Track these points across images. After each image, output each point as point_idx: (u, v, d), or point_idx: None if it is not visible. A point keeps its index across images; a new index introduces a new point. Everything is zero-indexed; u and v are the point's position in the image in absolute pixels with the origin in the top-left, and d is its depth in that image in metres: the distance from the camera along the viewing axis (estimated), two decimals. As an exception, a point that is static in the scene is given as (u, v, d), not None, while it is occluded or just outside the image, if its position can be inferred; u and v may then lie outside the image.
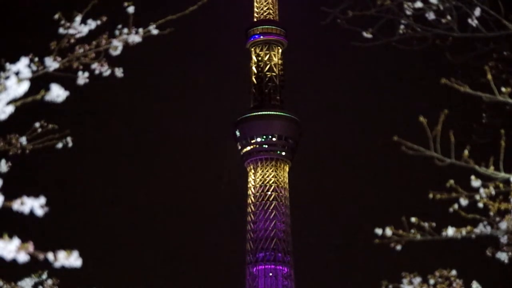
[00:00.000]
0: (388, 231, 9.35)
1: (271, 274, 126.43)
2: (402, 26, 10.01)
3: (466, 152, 8.85)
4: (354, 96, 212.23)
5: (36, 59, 7.29)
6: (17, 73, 6.59)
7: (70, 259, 5.57)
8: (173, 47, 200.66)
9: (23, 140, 9.03)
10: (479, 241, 9.72)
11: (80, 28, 7.70)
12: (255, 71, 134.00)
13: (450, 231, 9.46)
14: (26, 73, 6.60)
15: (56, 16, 7.68)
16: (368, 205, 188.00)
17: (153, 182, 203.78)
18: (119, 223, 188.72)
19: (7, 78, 6.57)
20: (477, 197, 9.26)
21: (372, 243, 9.36)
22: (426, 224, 9.38)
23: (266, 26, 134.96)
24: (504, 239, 10.01)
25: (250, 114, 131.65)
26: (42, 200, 5.81)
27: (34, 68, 7.22)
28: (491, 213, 9.49)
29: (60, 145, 8.82)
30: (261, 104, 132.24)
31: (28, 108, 6.98)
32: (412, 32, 10.00)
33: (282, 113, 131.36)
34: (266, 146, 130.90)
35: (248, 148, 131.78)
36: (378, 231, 9.33)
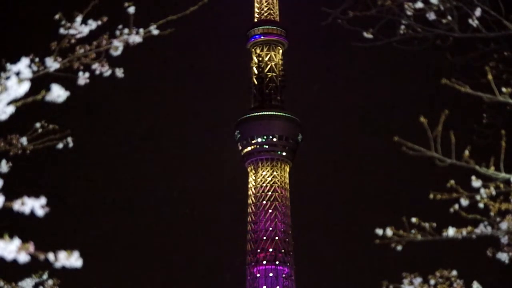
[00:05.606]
0: (389, 231, 9.34)
1: (271, 274, 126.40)
2: (402, 27, 10.01)
3: (466, 152, 8.84)
4: (354, 96, 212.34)
5: (37, 59, 7.29)
6: (17, 74, 6.59)
7: (70, 260, 5.57)
8: (173, 47, 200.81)
9: (24, 140, 9.03)
10: (480, 241, 9.72)
11: (81, 28, 7.70)
12: (256, 71, 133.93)
13: (451, 232, 9.45)
14: (27, 73, 6.60)
15: (57, 17, 7.67)
16: (368, 205, 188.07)
17: (153, 182, 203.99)
18: (119, 223, 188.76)
19: (7, 78, 6.56)
20: (478, 197, 9.25)
21: (372, 243, 9.36)
22: (426, 225, 9.37)
23: (267, 27, 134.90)
24: (504, 240, 10.01)
25: (250, 115, 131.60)
26: (42, 200, 5.81)
27: (35, 68, 7.22)
28: (492, 214, 9.49)
29: (60, 145, 8.81)
30: (261, 105, 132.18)
31: (29, 109, 6.98)
32: (412, 32, 10.00)
33: (282, 114, 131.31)
34: (267, 146, 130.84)
35: (249, 148, 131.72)
36: (379, 231, 9.33)
